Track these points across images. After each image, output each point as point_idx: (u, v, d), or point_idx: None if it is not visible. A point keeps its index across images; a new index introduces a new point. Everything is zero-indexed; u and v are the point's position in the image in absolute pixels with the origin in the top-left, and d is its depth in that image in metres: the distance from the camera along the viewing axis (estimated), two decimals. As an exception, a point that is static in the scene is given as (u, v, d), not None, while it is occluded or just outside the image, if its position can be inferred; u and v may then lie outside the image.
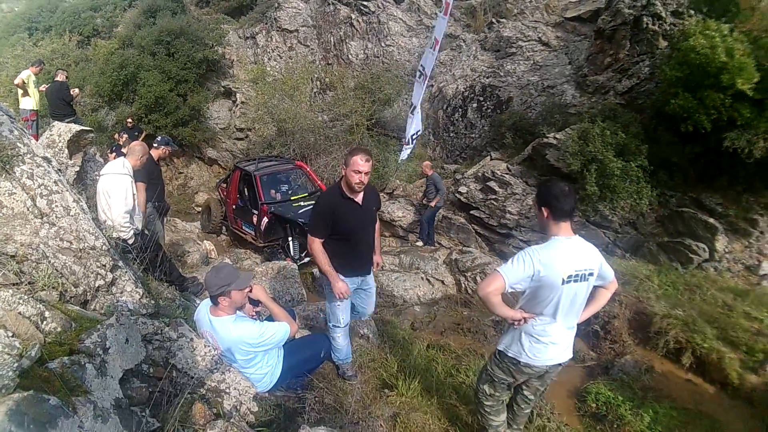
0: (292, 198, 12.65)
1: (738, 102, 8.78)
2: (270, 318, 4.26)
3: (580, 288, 3.40)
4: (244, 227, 13.20)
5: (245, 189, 13.37)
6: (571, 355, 3.71)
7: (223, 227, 14.61)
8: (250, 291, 4.02)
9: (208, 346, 3.70)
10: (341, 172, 4.38)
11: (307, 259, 11.70)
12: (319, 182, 13.65)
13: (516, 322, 3.52)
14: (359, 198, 4.43)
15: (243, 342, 3.73)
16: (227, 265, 3.95)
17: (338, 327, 4.72)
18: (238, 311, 3.89)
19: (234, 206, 13.60)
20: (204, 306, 3.92)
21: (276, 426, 3.75)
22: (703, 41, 9.06)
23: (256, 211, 12.43)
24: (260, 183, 12.59)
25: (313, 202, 11.96)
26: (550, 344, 3.53)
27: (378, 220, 5.01)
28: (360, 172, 4.14)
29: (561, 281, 3.28)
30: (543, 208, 3.38)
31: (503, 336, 3.80)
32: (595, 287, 3.57)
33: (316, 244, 4.40)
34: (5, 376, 2.07)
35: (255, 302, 4.26)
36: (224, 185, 14.80)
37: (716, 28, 9.12)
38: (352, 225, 4.43)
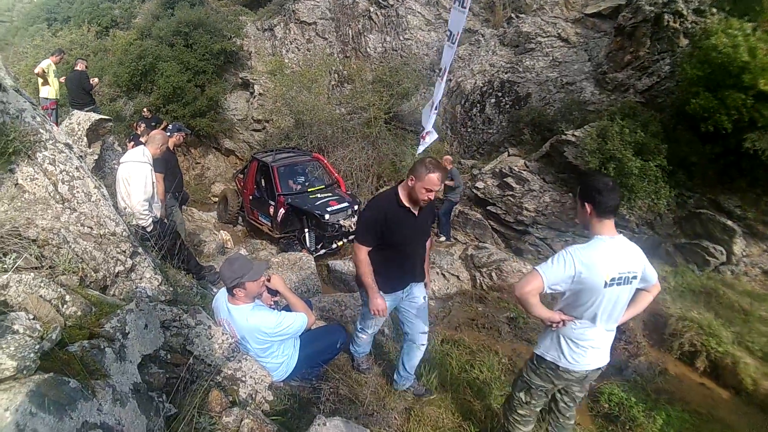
0: (309, 190, 12.70)
1: (760, 102, 8.64)
2: (287, 308, 4.27)
3: (623, 291, 3.26)
4: (260, 218, 13.28)
5: (262, 180, 13.37)
6: (608, 359, 3.55)
7: (240, 218, 14.65)
8: (268, 281, 4.02)
9: (226, 334, 3.71)
10: (408, 182, 3.93)
11: (322, 251, 11.89)
12: (336, 174, 13.72)
13: (554, 324, 3.38)
14: (416, 209, 4.09)
15: (260, 330, 3.74)
16: (240, 257, 3.94)
17: (365, 332, 4.65)
18: (256, 300, 3.90)
19: (251, 197, 13.63)
20: (222, 294, 3.94)
21: (291, 415, 3.76)
22: (725, 40, 8.95)
23: (272, 203, 12.48)
24: (277, 174, 12.59)
25: (330, 194, 12.17)
26: (589, 348, 3.39)
27: (431, 234, 4.70)
28: (432, 191, 3.87)
29: (603, 284, 3.13)
30: (586, 204, 3.23)
31: (540, 339, 3.65)
32: (637, 289, 3.42)
33: (362, 253, 4.07)
34: (27, 358, 2.08)
35: (273, 292, 4.26)
36: (241, 176, 14.81)
37: (739, 27, 9.02)
38: (405, 236, 4.12)
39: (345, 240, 12.30)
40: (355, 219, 12.07)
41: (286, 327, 3.83)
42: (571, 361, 3.41)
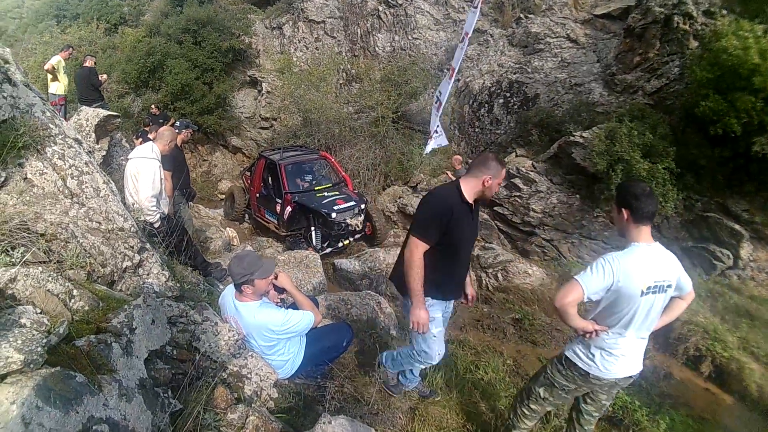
0: (316, 188, 12.67)
1: (769, 106, 8.59)
2: (293, 305, 4.26)
3: (658, 300, 3.21)
4: (267, 216, 13.27)
5: (269, 178, 13.39)
6: (641, 367, 3.48)
7: (246, 215, 14.65)
8: (275, 278, 4.01)
9: (232, 331, 3.71)
10: (485, 180, 3.64)
11: (329, 250, 11.96)
12: (343, 173, 13.70)
13: (588, 335, 3.33)
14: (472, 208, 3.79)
15: (267, 328, 3.74)
16: (250, 253, 3.94)
17: (427, 361, 4.15)
18: (263, 297, 3.90)
19: (257, 194, 13.63)
20: (229, 291, 3.94)
21: (295, 413, 3.76)
22: (735, 42, 8.90)
23: (279, 200, 12.49)
24: (285, 172, 12.60)
25: (337, 193, 12.14)
26: (621, 356, 3.33)
27: None
28: (500, 186, 3.72)
29: (640, 293, 3.09)
30: (623, 210, 3.19)
31: (571, 342, 3.60)
32: (671, 297, 3.35)
33: (420, 251, 3.60)
34: (34, 352, 2.09)
35: (279, 289, 4.25)
36: (248, 173, 14.87)
37: (749, 29, 8.95)
38: (464, 236, 3.80)
39: (351, 239, 12.35)
40: (361, 218, 12.17)
41: (293, 325, 3.82)
42: (602, 369, 3.36)
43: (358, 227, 12.15)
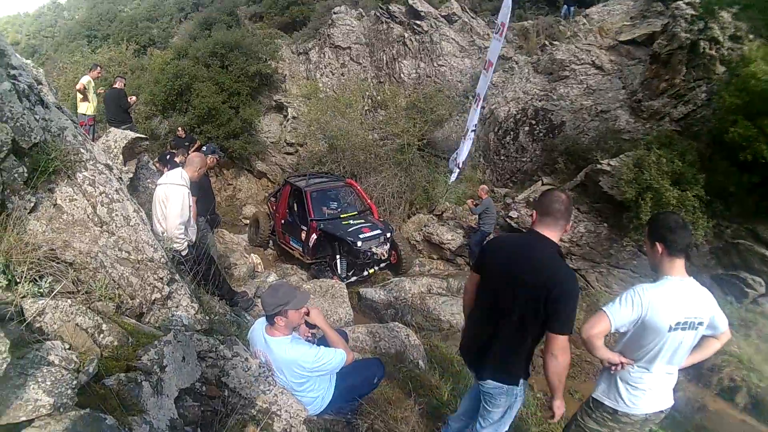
0: (342, 216, 12.59)
1: (799, 131, 8.46)
2: (322, 339, 4.16)
3: (687, 337, 3.09)
4: (291, 243, 13.17)
5: (295, 205, 13.31)
6: (672, 402, 3.36)
7: (270, 241, 14.60)
8: (308, 314, 3.92)
9: (262, 367, 3.63)
10: (566, 227, 3.32)
11: (354, 278, 11.85)
12: (368, 201, 13.61)
13: (613, 367, 3.26)
14: None
15: (297, 364, 3.64)
16: (284, 284, 3.87)
17: None
18: (294, 332, 3.82)
19: (282, 221, 13.58)
20: (260, 324, 3.85)
21: (324, 451, 3.67)
22: (764, 67, 8.83)
23: (305, 228, 12.38)
24: (310, 199, 12.51)
25: (362, 221, 12.10)
26: (647, 390, 3.23)
27: None
28: None
29: (668, 328, 3.00)
30: (657, 243, 3.09)
31: (598, 382, 3.49)
32: (704, 336, 3.21)
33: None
34: (64, 394, 2.03)
35: (310, 324, 4.16)
36: (273, 200, 14.78)
37: (778, 54, 8.89)
38: None
39: (376, 267, 12.25)
40: (387, 246, 12.05)
41: (324, 363, 3.72)
42: (629, 404, 3.26)
43: (384, 256, 11.97)
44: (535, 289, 3.10)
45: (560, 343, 3.09)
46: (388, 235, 12.14)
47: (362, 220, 12.45)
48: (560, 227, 3.27)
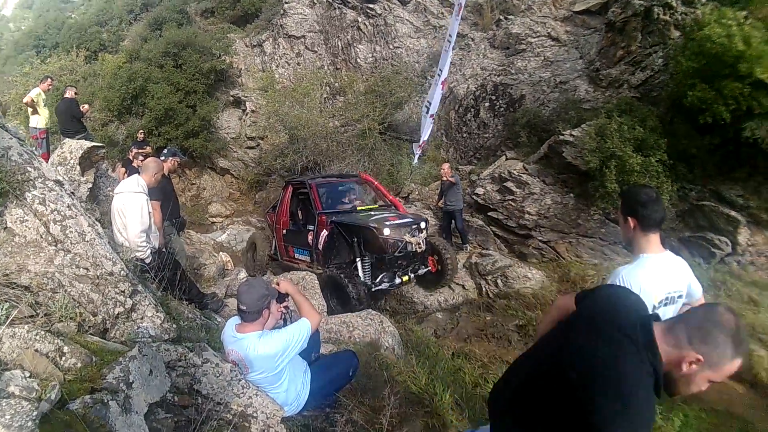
0: (359, 210, 10.43)
1: (757, 91, 8.56)
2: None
3: (668, 312, 2.90)
4: (296, 254, 11.10)
5: (298, 207, 11.33)
6: None
7: (269, 266, 12.47)
8: (278, 284, 3.87)
9: (234, 371, 3.57)
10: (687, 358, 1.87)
11: (382, 285, 9.38)
12: (390, 197, 11.57)
13: None
14: None
15: (270, 354, 3.58)
16: (258, 279, 3.87)
17: None
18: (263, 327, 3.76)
19: (284, 231, 11.49)
20: (230, 323, 3.79)
21: (305, 448, 3.64)
22: (719, 30, 8.88)
23: (311, 227, 10.27)
24: (317, 191, 10.46)
25: (385, 213, 10.11)
26: None
27: None
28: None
29: (653, 308, 2.83)
30: (629, 218, 2.95)
31: None
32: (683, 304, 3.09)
33: None
34: (24, 427, 1.95)
35: (282, 297, 4.07)
36: (272, 211, 12.52)
37: (732, 16, 8.94)
38: None
39: (412, 275, 9.80)
40: (423, 237, 9.48)
41: (294, 340, 3.66)
42: None
43: (421, 248, 9.30)
44: None
45: None
46: (423, 225, 9.65)
47: (385, 213, 10.17)
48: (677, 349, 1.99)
